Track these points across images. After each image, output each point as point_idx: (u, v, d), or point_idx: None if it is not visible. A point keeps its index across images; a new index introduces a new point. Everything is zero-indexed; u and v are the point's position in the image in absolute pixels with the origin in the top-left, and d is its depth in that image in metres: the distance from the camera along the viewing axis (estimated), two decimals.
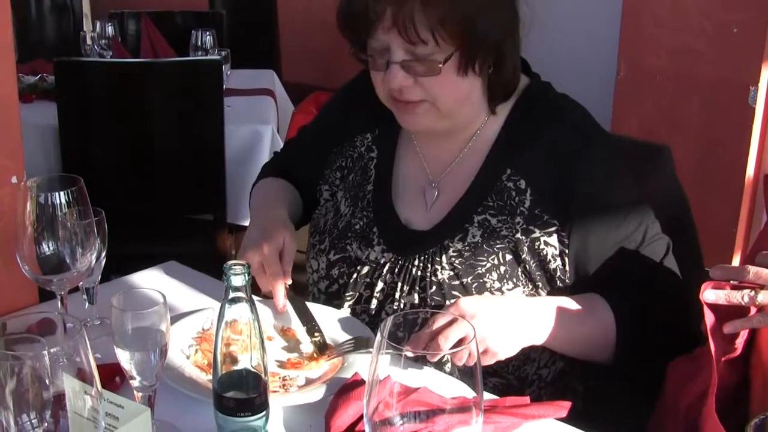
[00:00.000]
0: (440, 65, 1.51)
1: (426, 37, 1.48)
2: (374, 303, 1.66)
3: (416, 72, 1.53)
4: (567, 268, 1.58)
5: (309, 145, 1.92)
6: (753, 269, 1.27)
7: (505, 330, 1.43)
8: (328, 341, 1.55)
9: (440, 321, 1.36)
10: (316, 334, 1.56)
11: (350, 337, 1.54)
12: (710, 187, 4.00)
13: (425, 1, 1.46)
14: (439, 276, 1.59)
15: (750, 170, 3.37)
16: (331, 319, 1.61)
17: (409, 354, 1.03)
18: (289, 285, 1.62)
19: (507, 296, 1.57)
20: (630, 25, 4.55)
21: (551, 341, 1.50)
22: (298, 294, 1.65)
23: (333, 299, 1.71)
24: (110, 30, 3.89)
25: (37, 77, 3.66)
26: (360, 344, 1.50)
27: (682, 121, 4.30)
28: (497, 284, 1.57)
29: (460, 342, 1.30)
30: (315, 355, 1.51)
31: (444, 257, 1.59)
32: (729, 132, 3.91)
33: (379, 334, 1.03)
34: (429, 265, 1.60)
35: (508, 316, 1.45)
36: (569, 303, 1.53)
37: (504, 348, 1.43)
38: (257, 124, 3.38)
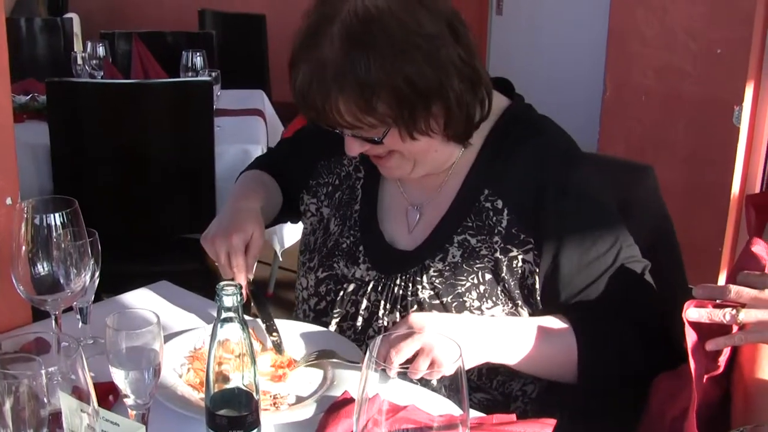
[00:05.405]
0: (381, 138, 1.54)
1: (354, 122, 1.51)
2: (360, 320, 1.68)
3: (367, 140, 1.56)
4: (537, 286, 1.59)
5: (300, 150, 1.92)
6: (734, 288, 1.29)
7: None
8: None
9: (395, 335, 1.38)
10: (274, 333, 1.60)
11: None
12: (696, 205, 4.03)
13: (345, 94, 1.47)
14: (420, 295, 1.61)
15: (735, 189, 3.39)
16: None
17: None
18: (251, 280, 1.66)
19: (485, 315, 1.58)
20: (616, 45, 4.60)
21: (508, 359, 1.51)
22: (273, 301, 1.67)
23: (321, 316, 1.73)
24: (101, 50, 3.90)
25: (29, 97, 3.68)
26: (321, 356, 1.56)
27: (667, 139, 4.34)
28: (477, 303, 1.59)
29: (418, 356, 1.34)
30: (273, 354, 1.56)
31: (425, 277, 1.61)
32: (714, 151, 3.95)
33: (367, 353, 1.06)
34: (410, 285, 1.62)
35: (459, 330, 1.46)
36: (530, 323, 1.54)
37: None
38: (247, 144, 3.41)
